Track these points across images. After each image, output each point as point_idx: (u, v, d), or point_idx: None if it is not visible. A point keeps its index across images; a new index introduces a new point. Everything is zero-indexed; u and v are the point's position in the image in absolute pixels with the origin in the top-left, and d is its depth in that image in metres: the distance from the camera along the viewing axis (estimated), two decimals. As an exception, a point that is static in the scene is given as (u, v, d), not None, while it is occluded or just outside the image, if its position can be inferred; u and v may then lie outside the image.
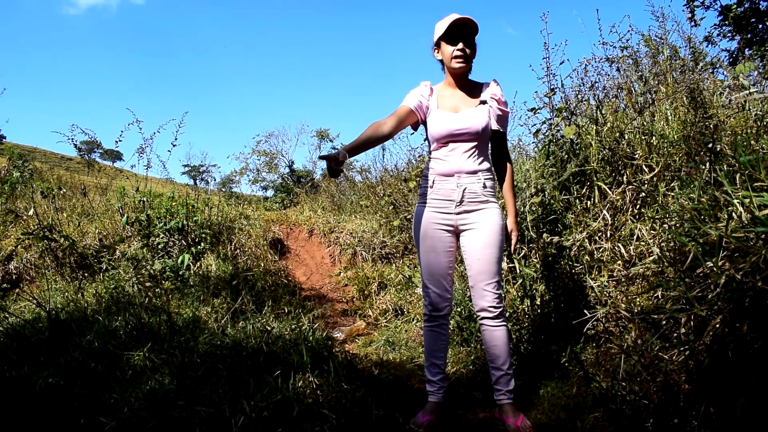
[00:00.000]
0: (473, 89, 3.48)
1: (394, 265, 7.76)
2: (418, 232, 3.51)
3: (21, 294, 8.13)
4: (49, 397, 4.89)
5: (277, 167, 23.27)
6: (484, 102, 3.38)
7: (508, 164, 3.57)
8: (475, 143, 3.34)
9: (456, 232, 3.50)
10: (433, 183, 3.46)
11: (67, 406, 4.71)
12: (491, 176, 3.43)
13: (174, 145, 9.48)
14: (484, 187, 3.36)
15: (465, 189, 3.33)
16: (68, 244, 7.38)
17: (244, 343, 4.41)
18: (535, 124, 5.80)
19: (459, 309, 5.18)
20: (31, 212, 9.37)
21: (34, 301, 6.89)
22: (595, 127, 5.13)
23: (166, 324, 5.36)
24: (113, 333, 5.52)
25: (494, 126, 3.38)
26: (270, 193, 23.50)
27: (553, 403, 3.90)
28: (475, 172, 3.35)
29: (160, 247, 7.80)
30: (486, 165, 3.39)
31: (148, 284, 6.93)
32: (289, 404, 3.51)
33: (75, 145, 9.87)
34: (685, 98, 5.13)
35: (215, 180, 24.16)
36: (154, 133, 8.89)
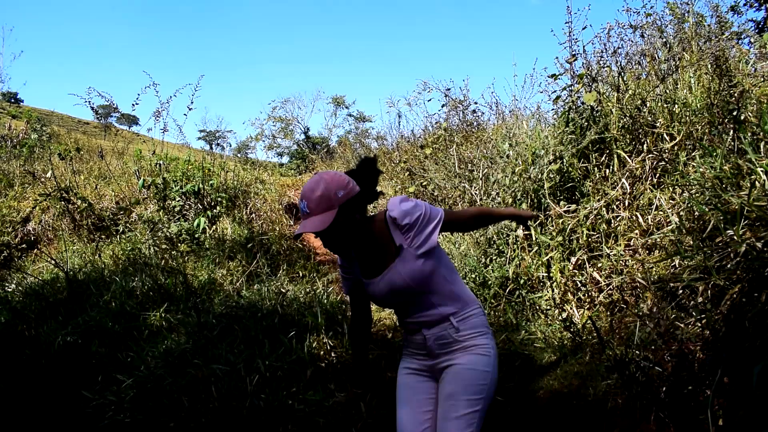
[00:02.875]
0: (381, 234, 2.39)
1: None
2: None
3: (39, 255, 8.24)
4: (67, 355, 4.98)
5: (292, 133, 23.24)
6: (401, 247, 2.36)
7: (476, 214, 2.58)
8: (426, 294, 2.41)
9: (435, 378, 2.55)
10: (403, 334, 2.64)
11: (85, 364, 4.80)
12: (468, 310, 2.43)
13: (190, 109, 9.49)
14: (457, 331, 2.40)
15: (435, 339, 2.44)
16: (85, 206, 7.44)
17: (259, 305, 4.45)
18: (555, 91, 5.70)
19: (474, 275, 5.17)
20: (48, 174, 9.44)
21: (52, 262, 6.98)
22: (616, 94, 5.05)
23: (183, 285, 5.41)
24: (130, 293, 5.59)
25: (420, 249, 2.33)
26: (285, 159, 23.51)
27: (566, 370, 3.90)
28: (442, 320, 2.42)
29: (176, 210, 7.84)
30: (451, 308, 2.41)
31: (164, 246, 6.99)
32: (303, 364, 3.55)
33: (92, 108, 9.91)
34: (709, 66, 5.02)
35: (230, 146, 24.17)
36: (171, 96, 8.90)
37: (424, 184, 7.73)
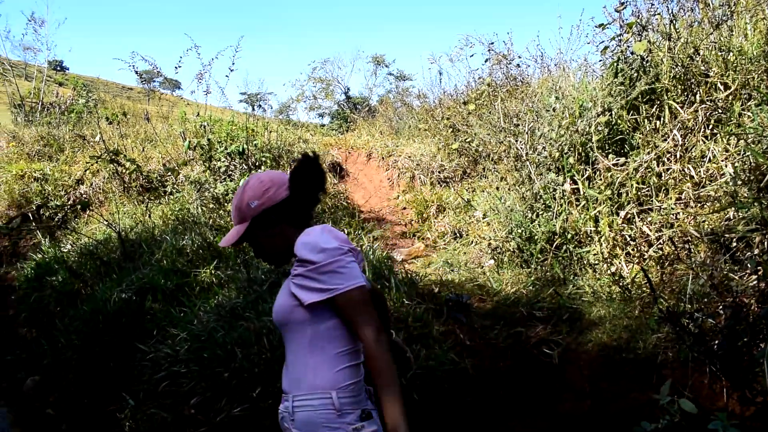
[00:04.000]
0: None
1: (452, 188, 7.72)
2: None
3: (91, 216, 8.48)
4: (122, 311, 5.15)
5: (332, 94, 23.18)
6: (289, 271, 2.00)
7: (372, 358, 1.78)
8: (286, 342, 2.02)
9: None
10: None
11: (140, 320, 4.97)
12: (311, 397, 1.87)
13: (231, 70, 9.56)
14: (291, 416, 1.90)
15: (280, 411, 2.00)
16: (134, 168, 7.59)
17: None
18: (603, 41, 5.53)
19: (520, 231, 5.14)
20: (97, 138, 9.64)
21: (105, 223, 7.19)
22: (667, 43, 4.88)
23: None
24: (180, 252, 5.73)
25: (305, 298, 1.86)
26: (326, 120, 23.51)
27: (615, 324, 3.88)
28: (285, 390, 1.99)
29: (221, 170, 7.95)
30: (298, 381, 1.92)
31: (211, 206, 7.11)
32: (352, 318, 3.60)
33: (136, 72, 10.06)
34: (767, 11, 4.80)
35: (271, 108, 24.28)
36: (212, 59, 8.96)
37: (467, 140, 7.67)
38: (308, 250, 1.83)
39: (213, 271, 5.14)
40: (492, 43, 8.67)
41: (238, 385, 3.25)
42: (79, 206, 8.31)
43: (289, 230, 1.98)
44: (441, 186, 8.07)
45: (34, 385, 5.85)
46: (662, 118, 4.71)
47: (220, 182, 7.66)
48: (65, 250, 7.38)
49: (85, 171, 8.78)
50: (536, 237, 5.01)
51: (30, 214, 9.22)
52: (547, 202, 5.09)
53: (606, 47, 5.47)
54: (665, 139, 4.54)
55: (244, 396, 3.21)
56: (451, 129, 8.36)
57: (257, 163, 7.97)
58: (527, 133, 5.66)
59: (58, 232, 8.58)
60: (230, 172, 7.88)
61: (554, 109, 5.49)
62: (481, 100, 7.99)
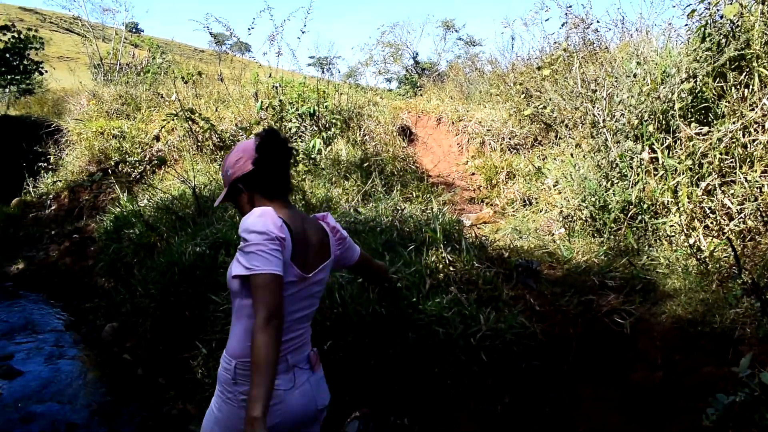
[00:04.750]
0: None
1: (523, 155, 7.61)
2: None
3: (167, 173, 8.75)
4: (196, 264, 5.33)
5: (401, 59, 23.05)
6: None
7: (254, 339, 1.88)
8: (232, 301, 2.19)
9: None
10: None
11: (213, 273, 5.13)
12: (227, 360, 2.13)
13: (303, 32, 9.60)
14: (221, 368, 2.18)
15: None
16: (208, 126, 7.77)
17: (377, 221, 4.54)
18: (689, 5, 5.30)
19: (593, 199, 5.03)
20: (173, 97, 9.89)
21: (180, 179, 7.41)
22: (760, 7, 4.63)
23: (302, 202, 5.60)
24: (250, 210, 5.85)
25: (232, 271, 2.06)
26: (394, 85, 23.45)
27: (690, 297, 3.77)
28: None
29: (292, 131, 8.05)
30: (231, 340, 2.14)
31: (282, 166, 7.23)
32: (422, 277, 3.62)
33: (210, 33, 10.29)
34: None
35: (339, 72, 24.33)
36: (285, 20, 9.05)
37: (541, 106, 7.52)
38: (243, 229, 1.97)
39: (284, 229, 5.24)
40: (570, 7, 8.42)
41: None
42: (155, 162, 8.59)
43: (259, 199, 2.14)
44: (511, 152, 7.96)
45: (113, 332, 6.15)
46: (751, 87, 4.50)
47: (291, 143, 7.77)
48: (142, 205, 7.66)
49: (162, 128, 9.04)
50: (610, 206, 4.90)
51: (109, 170, 9.59)
52: (624, 171, 4.96)
53: (693, 11, 5.24)
54: (753, 109, 4.35)
55: (316, 349, 3.30)
56: (523, 95, 8.21)
57: (327, 125, 8.04)
58: (605, 99, 5.51)
59: (136, 187, 8.90)
60: (301, 133, 7.98)
61: (635, 75, 5.32)
62: (556, 66, 7.79)
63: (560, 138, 6.98)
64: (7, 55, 20.81)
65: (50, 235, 10.14)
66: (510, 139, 8.08)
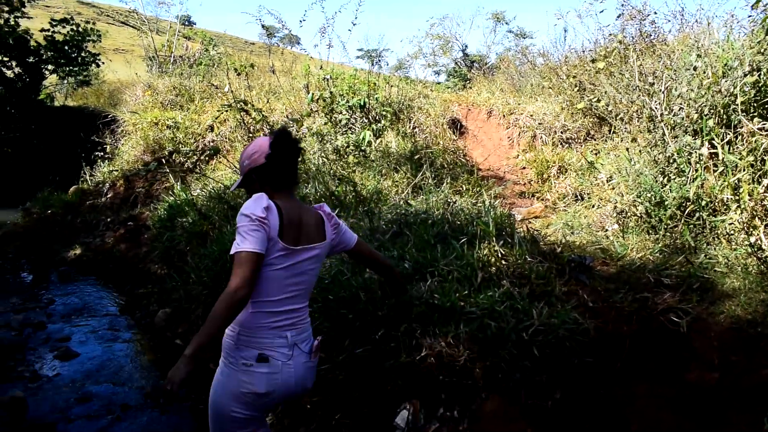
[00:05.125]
0: None
1: (575, 149, 7.49)
2: None
3: (219, 162, 8.91)
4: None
5: (450, 51, 22.89)
6: None
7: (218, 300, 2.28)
8: None
9: None
10: None
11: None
12: (230, 329, 2.43)
13: (354, 24, 9.62)
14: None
15: None
16: (260, 118, 7.86)
17: (429, 213, 4.54)
18: (754, -5, 5.13)
19: (649, 195, 4.93)
20: (226, 89, 10.05)
21: (232, 169, 7.54)
22: (831, -3, 4.45)
23: (352, 193, 5.64)
24: (303, 199, 5.92)
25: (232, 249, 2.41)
26: (443, 78, 23.30)
27: (750, 297, 3.66)
28: None
29: (342, 123, 8.09)
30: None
31: (332, 157, 7.28)
32: (473, 270, 3.61)
33: (262, 26, 10.38)
34: None
35: (387, 64, 24.31)
36: (336, 12, 9.09)
37: (595, 99, 7.38)
38: (239, 212, 2.32)
39: (334, 219, 5.29)
40: (626, -3, 8.24)
41: (361, 327, 3.36)
42: (208, 153, 8.75)
43: (266, 190, 2.43)
44: (563, 146, 7.85)
45: (165, 317, 6.30)
46: (819, 80, 4.33)
47: (341, 134, 7.81)
48: (195, 194, 7.81)
49: (215, 119, 9.20)
50: (667, 202, 4.78)
51: (163, 159, 9.81)
52: (681, 167, 4.83)
53: (758, 1, 5.07)
54: (821, 103, 4.19)
55: (366, 338, 3.32)
56: (576, 87, 8.07)
57: (377, 117, 8.06)
58: (663, 92, 5.37)
59: (189, 176, 9.09)
60: (351, 125, 8.01)
61: (695, 68, 5.17)
62: (611, 58, 7.63)
63: (614, 132, 6.85)
64: (66, 48, 21.46)
65: (106, 222, 10.44)
66: (562, 132, 7.96)
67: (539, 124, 8.28)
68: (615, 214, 5.37)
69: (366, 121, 7.95)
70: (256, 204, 2.31)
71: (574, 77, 8.23)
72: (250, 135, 8.91)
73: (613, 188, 5.72)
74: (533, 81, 10.26)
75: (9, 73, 20.65)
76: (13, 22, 19.57)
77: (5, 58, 20.38)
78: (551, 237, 5.13)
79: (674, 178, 4.88)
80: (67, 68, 22.16)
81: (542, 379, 3.08)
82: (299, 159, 2.61)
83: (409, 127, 8.19)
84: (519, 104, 9.05)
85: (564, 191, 6.65)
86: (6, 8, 19.32)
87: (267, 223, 2.29)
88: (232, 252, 2.27)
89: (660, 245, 4.65)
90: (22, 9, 19.69)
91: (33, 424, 4.41)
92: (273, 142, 2.47)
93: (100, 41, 22.67)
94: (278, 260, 2.36)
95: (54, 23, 20.35)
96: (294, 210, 2.46)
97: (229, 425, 2.43)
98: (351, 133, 7.68)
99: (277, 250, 2.35)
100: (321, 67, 9.43)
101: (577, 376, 3.23)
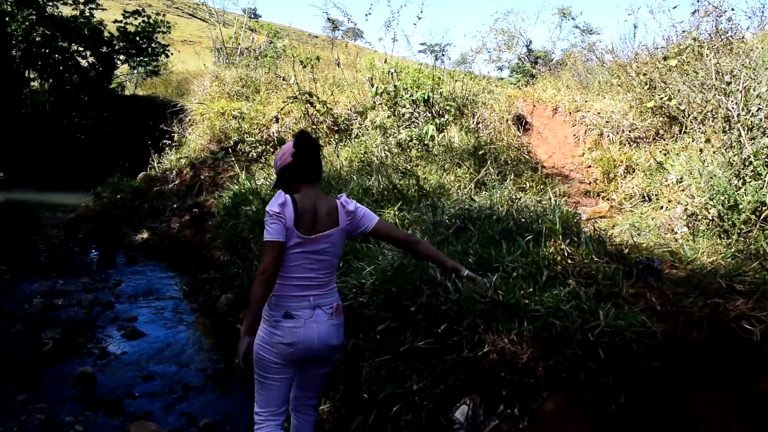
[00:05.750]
0: None
1: (643, 149, 7.30)
2: None
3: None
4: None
5: (514, 47, 22.58)
6: None
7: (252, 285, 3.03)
8: None
9: None
10: None
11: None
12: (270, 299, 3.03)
13: (419, 18, 9.62)
14: None
15: None
16: (325, 110, 7.95)
17: (493, 209, 4.51)
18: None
19: (722, 198, 4.77)
20: (292, 80, 10.19)
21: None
22: None
23: (415, 187, 5.64)
24: (366, 191, 5.96)
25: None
26: (505, 74, 23.03)
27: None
28: None
29: (405, 117, 8.10)
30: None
31: (395, 151, 7.30)
32: (539, 268, 3.56)
33: (328, 18, 10.49)
34: None
35: (450, 59, 24.15)
36: (401, 6, 9.11)
37: (666, 98, 7.17)
38: (270, 204, 2.90)
39: (396, 212, 5.30)
40: (702, -7, 7.97)
41: (423, 320, 3.36)
42: (273, 143, 8.89)
43: (295, 183, 3.01)
44: (631, 146, 7.66)
45: (227, 303, 6.45)
46: None
47: (404, 128, 7.82)
48: (259, 183, 7.96)
49: (281, 110, 9.34)
50: (741, 206, 4.62)
51: (228, 149, 10.02)
52: (758, 169, 4.67)
53: None
54: None
55: (428, 331, 3.32)
56: (647, 85, 7.85)
57: (441, 112, 8.03)
58: (741, 92, 5.19)
59: (253, 166, 9.26)
60: (414, 119, 8.02)
61: (776, 67, 4.98)
62: (685, 56, 7.39)
63: (686, 132, 6.65)
64: (137, 38, 22.11)
65: (172, 208, 10.75)
66: (630, 131, 7.77)
67: (606, 122, 8.11)
68: (685, 217, 5.22)
69: (429, 115, 7.94)
70: (274, 201, 2.88)
71: (644, 75, 8.02)
72: (314, 127, 9.02)
73: (684, 190, 5.56)
74: (601, 78, 10.03)
75: (83, 63, 21.45)
76: (88, 14, 20.29)
77: (80, 48, 21.18)
78: (617, 238, 5.02)
79: (750, 181, 4.71)
80: (138, 58, 22.87)
81: (607, 381, 3.02)
82: (319, 154, 3.16)
83: (473, 122, 8.13)
84: (586, 101, 8.88)
85: (631, 191, 6.50)
86: (81, 0, 20.05)
87: (283, 217, 2.85)
88: (264, 239, 2.87)
89: (732, 250, 4.49)
90: (97, 1, 20.39)
91: (101, 399, 4.59)
92: (296, 142, 3.01)
93: (170, 32, 23.31)
94: (297, 246, 2.91)
95: (126, 15, 21.02)
96: (309, 201, 2.95)
97: (267, 369, 3.00)
98: (414, 127, 7.68)
99: (294, 237, 2.89)
100: (385, 61, 9.45)
101: (643, 380, 3.16)
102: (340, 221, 3.05)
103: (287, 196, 2.91)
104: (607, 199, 6.69)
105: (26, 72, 20.80)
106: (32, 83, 21.46)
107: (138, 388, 4.91)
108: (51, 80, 21.41)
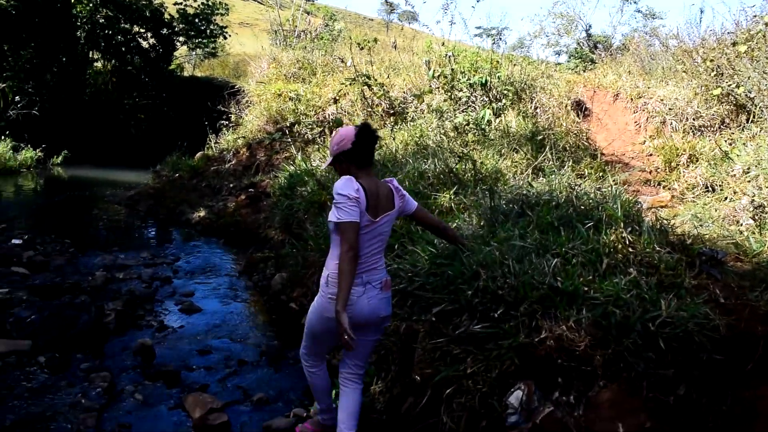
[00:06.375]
0: None
1: (707, 137, 7.08)
2: None
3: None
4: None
5: (573, 31, 22.11)
6: None
7: (340, 261, 3.12)
8: (330, 236, 3.34)
9: None
10: None
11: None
12: (324, 270, 3.33)
13: (477, 1, 9.48)
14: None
15: None
16: (382, 92, 7.95)
17: (552, 195, 4.45)
18: None
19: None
20: (348, 63, 10.21)
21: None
22: None
23: (472, 171, 5.60)
24: (422, 175, 5.95)
25: (329, 218, 3.22)
26: (563, 59, 22.60)
27: None
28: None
29: (462, 101, 8.04)
30: (329, 257, 3.31)
31: (451, 135, 7.26)
32: (599, 256, 3.51)
33: (385, 1, 10.42)
34: None
35: (506, 43, 23.78)
36: (460, -13, 9.00)
37: (734, 85, 6.92)
38: (335, 191, 3.09)
39: (452, 196, 5.29)
40: (775, -23, 7.64)
41: (479, 304, 3.36)
42: (330, 125, 8.95)
43: (352, 168, 3.22)
44: (694, 134, 7.44)
45: (282, 281, 6.54)
46: None
47: (460, 112, 7.76)
48: (315, 164, 8.02)
49: (338, 92, 9.37)
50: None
51: (285, 130, 10.13)
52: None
53: None
54: None
55: (484, 315, 3.31)
56: (713, 72, 7.59)
57: (498, 96, 7.94)
58: (816, 79, 4.97)
59: (309, 147, 9.34)
60: (471, 103, 7.95)
61: None
62: (755, 42, 7.11)
63: (753, 121, 6.41)
64: (197, 20, 22.49)
65: (228, 188, 10.95)
66: (694, 119, 7.54)
67: (669, 109, 7.89)
68: (751, 209, 5.06)
69: (486, 99, 7.86)
70: (350, 186, 3.07)
71: (711, 61, 7.75)
72: (371, 109, 9.04)
73: (750, 181, 5.38)
74: (664, 64, 9.74)
75: (144, 44, 21.97)
76: (149, -4, 20.76)
77: (142, 30, 21.69)
78: (679, 228, 4.90)
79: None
80: (197, 40, 23.29)
81: (667, 373, 2.96)
82: (376, 145, 3.38)
83: (531, 107, 8.02)
84: (648, 88, 8.64)
85: (693, 181, 6.32)
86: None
87: (359, 200, 3.06)
88: (335, 221, 3.07)
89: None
90: (158, -17, 20.82)
91: (159, 370, 4.72)
92: (358, 132, 3.20)
93: (228, 15, 23.63)
94: (364, 228, 3.14)
95: (186, -3, 21.41)
96: (373, 186, 3.21)
97: (317, 336, 3.44)
98: (471, 111, 7.62)
99: (365, 220, 3.12)
100: (443, 44, 9.38)
101: (704, 374, 3.09)
102: (395, 204, 3.34)
103: (357, 182, 3.11)
104: (669, 189, 6.52)
105: (90, 53, 21.41)
106: (95, 64, 22.10)
107: (194, 361, 5.03)
108: (113, 61, 22.02)
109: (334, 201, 3.09)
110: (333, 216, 3.10)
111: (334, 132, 3.35)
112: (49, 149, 17.70)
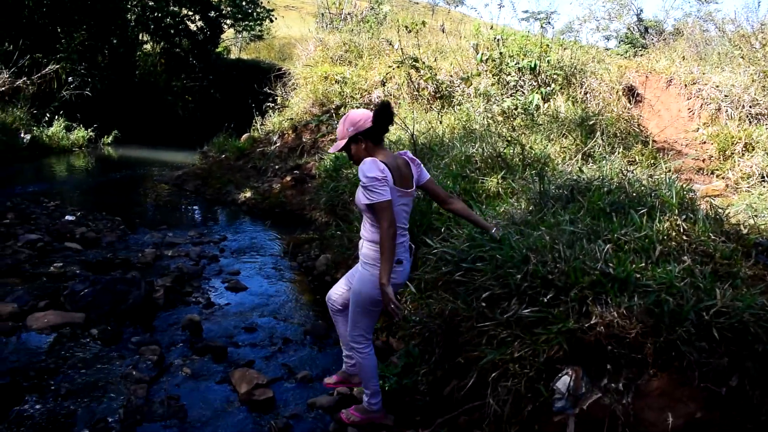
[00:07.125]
0: None
1: (765, 126, 6.87)
2: None
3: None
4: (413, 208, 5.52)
5: (623, 15, 21.62)
6: None
7: (381, 238, 3.27)
8: (363, 216, 3.49)
9: None
10: None
11: (427, 217, 5.26)
12: (369, 246, 3.43)
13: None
14: (363, 253, 3.49)
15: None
16: (429, 75, 7.91)
17: (603, 181, 4.38)
18: None
19: None
20: (396, 46, 10.17)
21: (398, 125, 7.64)
22: None
23: (520, 156, 5.55)
24: (469, 159, 5.91)
25: (360, 200, 3.35)
26: (612, 44, 22.13)
27: None
28: (363, 238, 3.51)
29: (510, 85, 7.95)
30: (366, 234, 3.46)
31: (498, 119, 7.19)
32: (652, 243, 3.46)
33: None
34: None
35: (553, 28, 23.36)
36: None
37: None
38: (362, 174, 3.19)
39: (500, 181, 5.25)
40: None
41: (528, 288, 3.33)
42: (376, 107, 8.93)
43: (369, 145, 3.33)
44: (751, 122, 7.22)
45: (326, 262, 6.61)
46: None
47: (508, 96, 7.68)
48: (362, 147, 8.01)
49: (385, 75, 9.34)
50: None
51: (331, 112, 10.16)
52: None
53: None
54: None
55: (533, 299, 3.29)
56: (773, 58, 7.36)
57: (547, 81, 7.83)
58: None
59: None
60: (519, 87, 7.85)
61: None
62: (818, 27, 6.86)
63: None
64: (244, 3, 22.67)
65: (274, 169, 11.05)
66: (751, 107, 7.33)
67: (725, 96, 7.67)
68: (810, 199, 4.90)
69: (535, 83, 7.76)
70: (375, 168, 3.17)
71: (771, 47, 7.51)
72: (417, 93, 9.00)
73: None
74: (720, 49, 9.46)
75: (192, 27, 22.25)
76: (197, -22, 20.96)
77: (190, 12, 21.96)
78: (733, 218, 4.78)
79: None
80: (244, 23, 23.48)
81: (721, 363, 2.90)
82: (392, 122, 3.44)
83: (581, 92, 7.88)
84: (703, 74, 8.40)
85: (749, 171, 6.16)
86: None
87: (387, 178, 3.20)
88: (366, 202, 3.22)
89: None
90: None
91: (206, 345, 4.82)
92: (381, 110, 3.29)
93: (274, -2, 23.71)
94: (397, 200, 3.30)
95: (234, -20, 21.56)
96: (392, 161, 3.34)
97: (369, 306, 3.48)
98: (519, 96, 7.53)
99: (396, 194, 3.27)
100: (491, 27, 9.27)
101: (759, 365, 3.02)
102: (414, 173, 3.52)
103: (380, 161, 3.25)
104: (723, 178, 6.36)
105: (139, 35, 21.77)
106: (145, 46, 22.47)
107: (240, 338, 5.12)
108: (162, 43, 22.35)
109: (362, 184, 3.20)
110: (364, 198, 3.24)
111: (344, 117, 3.43)
112: (100, 129, 18.08)
